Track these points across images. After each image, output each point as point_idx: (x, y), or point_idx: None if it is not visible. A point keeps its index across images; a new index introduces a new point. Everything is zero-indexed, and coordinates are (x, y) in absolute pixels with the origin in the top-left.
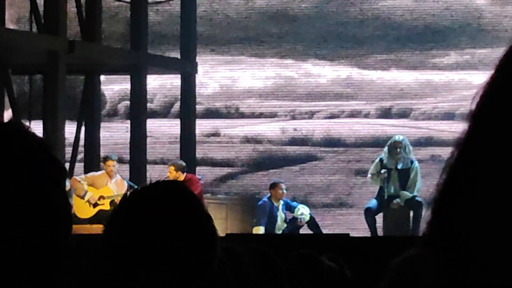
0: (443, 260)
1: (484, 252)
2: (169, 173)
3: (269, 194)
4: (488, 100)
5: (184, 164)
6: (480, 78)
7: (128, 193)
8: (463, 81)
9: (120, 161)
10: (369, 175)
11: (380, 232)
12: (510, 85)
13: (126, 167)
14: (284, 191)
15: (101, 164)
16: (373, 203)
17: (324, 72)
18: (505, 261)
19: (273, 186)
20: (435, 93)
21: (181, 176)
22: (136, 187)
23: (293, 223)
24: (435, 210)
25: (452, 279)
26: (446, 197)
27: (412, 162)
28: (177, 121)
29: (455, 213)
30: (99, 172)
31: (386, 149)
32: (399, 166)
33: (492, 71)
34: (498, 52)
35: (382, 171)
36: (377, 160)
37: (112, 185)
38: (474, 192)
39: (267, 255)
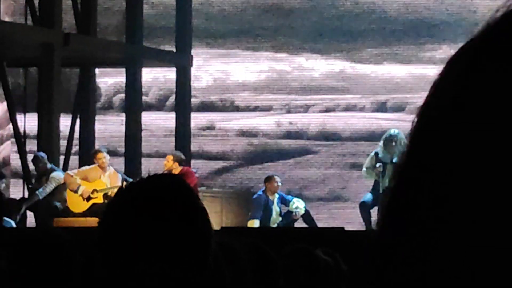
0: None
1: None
2: (166, 162)
3: (264, 188)
4: (432, 97)
5: (183, 157)
6: None
7: (124, 185)
8: None
9: (115, 154)
10: (364, 169)
11: (375, 226)
12: (454, 83)
13: (121, 160)
14: (279, 185)
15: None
16: (368, 197)
17: (319, 66)
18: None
19: (268, 179)
20: (430, 86)
21: (177, 168)
22: (130, 180)
23: (288, 216)
24: (384, 209)
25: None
26: (394, 195)
27: None
28: (172, 114)
29: (401, 213)
30: (92, 166)
31: (381, 143)
32: (395, 160)
33: (444, 66)
34: None
35: (377, 165)
36: (372, 154)
37: (105, 178)
38: (421, 190)
39: (262, 250)
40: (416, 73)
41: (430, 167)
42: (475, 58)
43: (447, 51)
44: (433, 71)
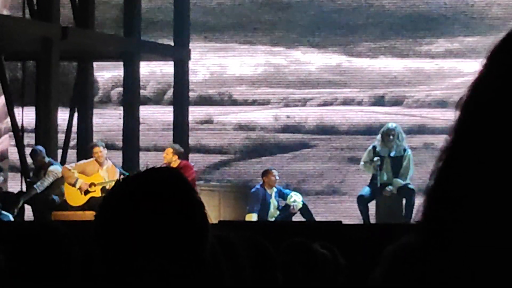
0: (436, 249)
1: (478, 242)
2: (166, 154)
3: (262, 182)
4: (478, 89)
5: (182, 150)
6: (473, 66)
7: (121, 178)
8: (456, 69)
9: (113, 147)
10: (362, 163)
11: (372, 219)
12: (499, 76)
13: (118, 154)
14: (277, 178)
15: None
16: (366, 190)
17: (317, 60)
18: (498, 251)
19: (266, 173)
20: (428, 81)
21: (176, 161)
22: (127, 174)
23: (285, 210)
24: (430, 199)
25: (444, 268)
26: (441, 185)
27: (405, 150)
28: (170, 108)
29: (449, 202)
30: (89, 160)
31: (379, 136)
32: (392, 154)
33: (484, 61)
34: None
35: (375, 158)
36: (370, 147)
37: (103, 172)
38: (468, 181)
39: (260, 244)
40: (413, 67)
41: (480, 157)
42: None
43: (445, 45)
44: (430, 65)
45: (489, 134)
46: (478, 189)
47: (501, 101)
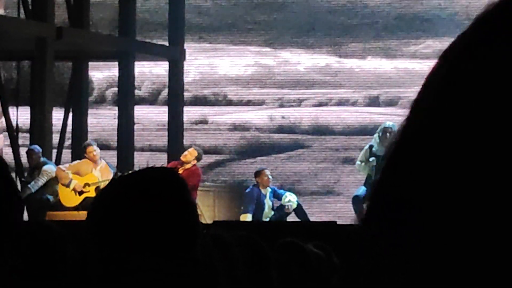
0: (376, 252)
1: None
2: (189, 155)
3: (256, 182)
4: (426, 90)
5: (202, 157)
6: None
7: (115, 177)
8: None
9: (108, 147)
10: (358, 162)
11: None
12: (445, 76)
13: (113, 154)
14: (270, 178)
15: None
16: (361, 190)
17: (311, 60)
18: (445, 251)
19: (258, 174)
20: (422, 81)
21: (191, 163)
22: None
23: (280, 210)
24: (371, 201)
25: (384, 273)
26: (383, 187)
27: None
28: (165, 108)
29: (389, 206)
30: (83, 160)
31: (376, 135)
32: None
33: (436, 61)
34: None
35: (371, 158)
36: (367, 147)
37: (97, 172)
38: (408, 183)
39: (255, 243)
40: (409, 68)
41: (422, 160)
42: (466, 50)
43: (440, 45)
44: (426, 65)
45: (433, 135)
46: (418, 192)
47: (446, 101)
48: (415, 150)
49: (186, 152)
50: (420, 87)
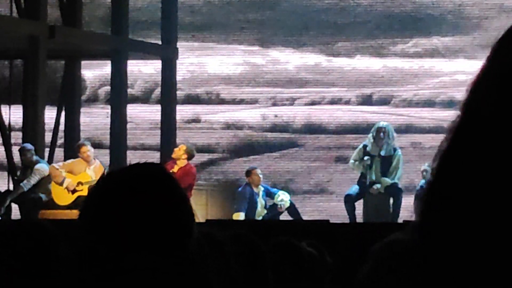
0: (434, 248)
1: (475, 243)
2: (178, 150)
3: (247, 181)
4: (479, 89)
5: (194, 153)
6: (461, 65)
7: (105, 173)
8: (443, 68)
9: (100, 146)
10: (351, 161)
11: (360, 218)
12: (500, 75)
13: (106, 153)
14: (261, 176)
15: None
16: (353, 189)
17: (304, 59)
18: (495, 253)
19: (248, 173)
20: (415, 80)
21: (184, 161)
22: None
23: (273, 209)
24: (427, 198)
25: (441, 267)
26: (438, 186)
27: (395, 149)
28: (158, 107)
29: (447, 202)
30: (77, 159)
31: (370, 135)
32: (382, 153)
33: (485, 60)
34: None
35: (365, 158)
36: (361, 146)
37: (90, 171)
38: (466, 181)
39: (250, 241)
40: (401, 66)
41: (485, 159)
42: None
43: (433, 44)
44: (418, 64)
45: (487, 135)
46: (475, 190)
47: (501, 101)
48: (476, 149)
49: (176, 149)
50: (471, 84)
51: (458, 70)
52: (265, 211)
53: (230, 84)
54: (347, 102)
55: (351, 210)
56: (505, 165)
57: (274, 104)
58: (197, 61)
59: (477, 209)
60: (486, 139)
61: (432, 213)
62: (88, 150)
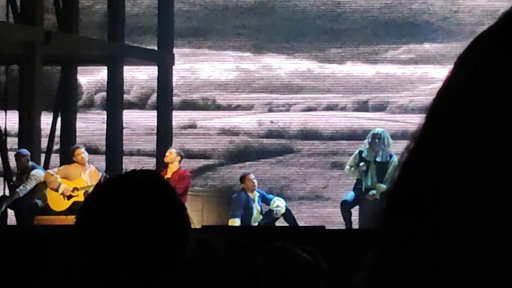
0: (394, 257)
1: (430, 257)
2: (169, 154)
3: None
4: (444, 96)
5: (183, 155)
6: None
7: (102, 180)
8: (440, 74)
9: (96, 152)
10: (347, 167)
11: (356, 225)
12: (463, 82)
13: (102, 158)
14: (255, 181)
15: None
16: (349, 195)
17: (300, 65)
18: (460, 259)
19: (242, 179)
20: (411, 86)
21: (176, 164)
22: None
23: (269, 215)
24: (387, 207)
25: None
26: (398, 193)
27: (391, 156)
28: (154, 113)
29: (406, 211)
30: (72, 164)
31: (366, 141)
32: (378, 159)
33: (452, 67)
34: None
35: (361, 164)
36: (356, 152)
37: (86, 176)
38: (425, 191)
39: (243, 247)
40: (397, 73)
41: (445, 165)
42: (494, 46)
43: (429, 50)
44: (414, 70)
45: (451, 142)
46: (434, 201)
47: (464, 108)
48: (438, 155)
49: (167, 154)
50: (437, 92)
51: None
52: (261, 217)
53: (226, 90)
54: (343, 108)
55: (347, 216)
56: (467, 174)
57: (270, 110)
58: (193, 67)
59: (436, 221)
60: (448, 147)
61: (389, 224)
62: (82, 153)
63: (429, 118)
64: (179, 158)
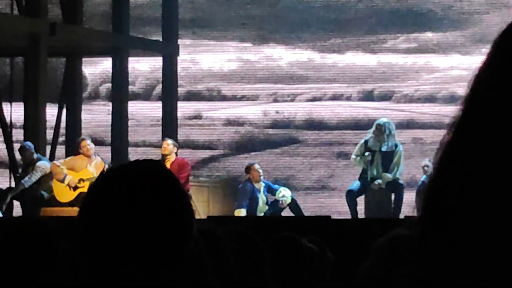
0: (435, 244)
1: (476, 239)
2: (166, 145)
3: (248, 177)
4: (481, 83)
5: (176, 144)
6: (462, 60)
7: (105, 170)
8: (445, 63)
9: (102, 143)
10: (353, 156)
11: (362, 214)
12: (503, 69)
13: (107, 150)
14: (260, 171)
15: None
16: (355, 185)
17: (305, 55)
18: (496, 249)
19: (248, 169)
20: (417, 75)
21: (173, 154)
22: None
23: (274, 205)
24: (429, 193)
25: (442, 262)
26: (441, 180)
27: (396, 145)
28: (159, 104)
29: (449, 197)
30: (78, 155)
31: (371, 130)
32: (383, 149)
33: (486, 55)
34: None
35: (366, 153)
36: (362, 141)
37: (92, 168)
38: (468, 176)
39: (248, 238)
40: (402, 62)
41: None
42: None
43: (434, 39)
44: (419, 60)
45: (490, 129)
46: (477, 185)
47: (502, 95)
48: (478, 144)
49: (164, 146)
50: (471, 81)
51: (458, 66)
52: (267, 207)
53: (231, 81)
54: (348, 98)
55: (353, 206)
56: (506, 160)
57: (275, 101)
58: (198, 57)
59: (479, 205)
60: (487, 134)
61: (434, 208)
62: (88, 144)
63: (467, 105)
64: (176, 148)
